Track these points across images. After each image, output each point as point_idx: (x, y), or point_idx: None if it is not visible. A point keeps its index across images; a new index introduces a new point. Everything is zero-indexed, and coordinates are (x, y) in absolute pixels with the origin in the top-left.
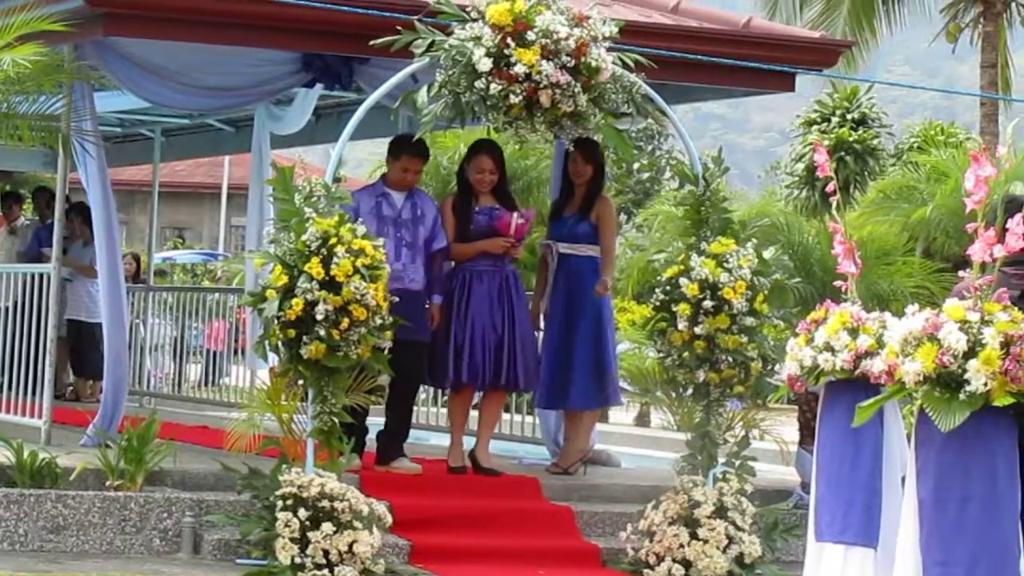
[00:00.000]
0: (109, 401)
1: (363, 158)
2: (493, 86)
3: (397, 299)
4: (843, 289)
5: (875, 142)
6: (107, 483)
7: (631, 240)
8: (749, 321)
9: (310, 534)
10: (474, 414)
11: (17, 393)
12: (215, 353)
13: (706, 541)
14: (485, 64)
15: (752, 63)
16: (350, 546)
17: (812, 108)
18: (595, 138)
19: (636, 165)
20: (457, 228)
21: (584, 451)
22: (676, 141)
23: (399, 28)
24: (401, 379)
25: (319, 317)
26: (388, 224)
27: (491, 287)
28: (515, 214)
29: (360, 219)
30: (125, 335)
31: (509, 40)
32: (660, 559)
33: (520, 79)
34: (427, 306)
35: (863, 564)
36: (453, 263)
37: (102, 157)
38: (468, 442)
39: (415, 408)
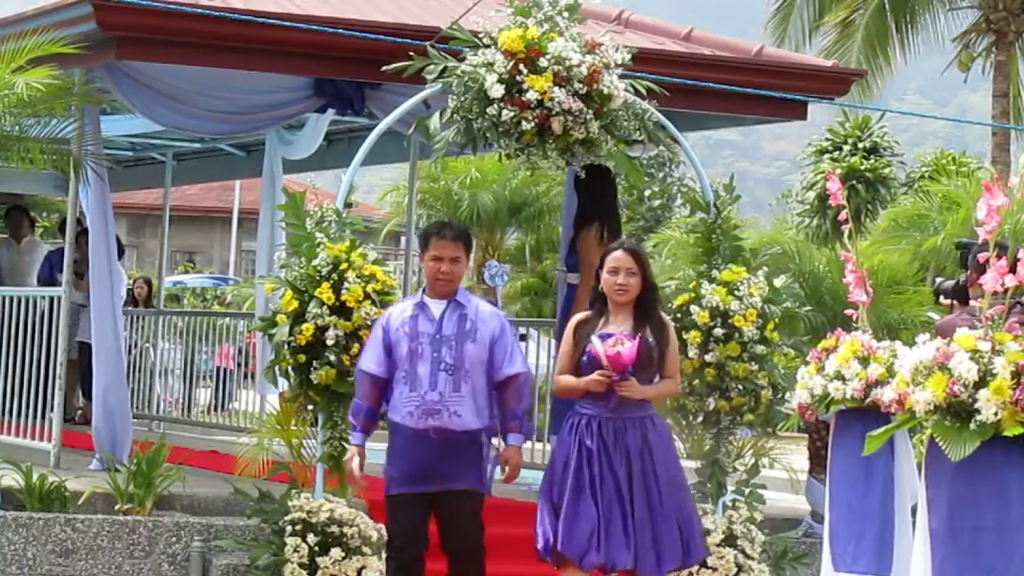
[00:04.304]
0: (101, 428)
1: (374, 183)
2: (505, 112)
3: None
4: (854, 318)
5: (886, 171)
6: (116, 507)
7: None
8: (760, 349)
9: (319, 559)
10: None
11: (27, 416)
12: (225, 375)
13: (715, 569)
14: (497, 90)
15: (764, 91)
16: (359, 572)
17: (824, 136)
18: (608, 165)
19: (648, 192)
20: (573, 355)
21: None
22: (688, 168)
23: (411, 54)
24: (454, 539)
25: (329, 342)
26: (422, 343)
27: (604, 438)
28: (600, 339)
29: (391, 343)
30: (120, 365)
31: (521, 66)
32: None
33: (532, 106)
34: (489, 449)
35: None
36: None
37: (105, 180)
38: None
39: None
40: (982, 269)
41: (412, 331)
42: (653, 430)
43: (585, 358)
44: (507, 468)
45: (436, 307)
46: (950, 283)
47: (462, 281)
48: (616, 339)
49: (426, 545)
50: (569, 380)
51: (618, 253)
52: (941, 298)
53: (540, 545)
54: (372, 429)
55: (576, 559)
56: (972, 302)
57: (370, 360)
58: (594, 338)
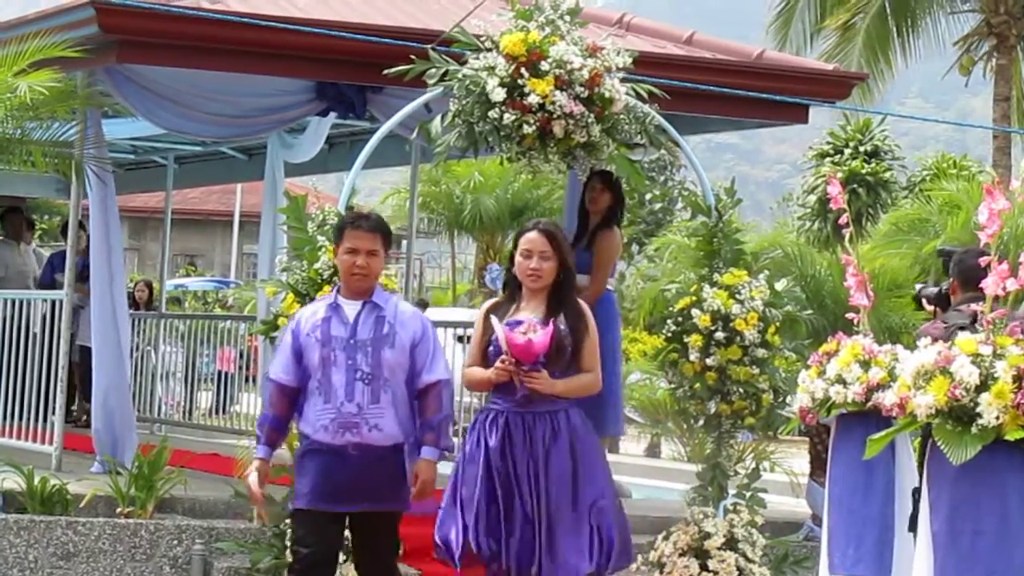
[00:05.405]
0: (101, 431)
1: (376, 187)
2: (507, 116)
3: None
4: (855, 321)
5: (887, 174)
6: (117, 510)
7: (643, 270)
8: (761, 353)
9: None
10: None
11: (28, 419)
12: (226, 378)
13: (716, 573)
14: (499, 94)
15: (765, 94)
16: None
17: (825, 140)
18: (610, 168)
19: (648, 196)
20: (481, 345)
21: None
22: (689, 172)
23: (413, 57)
24: (367, 564)
25: None
26: (335, 349)
27: (512, 435)
28: (508, 327)
29: (301, 349)
30: (122, 368)
31: (523, 70)
32: None
33: (534, 109)
34: (407, 464)
35: None
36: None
37: (109, 184)
38: None
39: None
40: (963, 276)
41: (324, 336)
42: (566, 424)
43: (491, 348)
44: (417, 484)
45: (351, 308)
46: (933, 290)
47: (462, 283)
48: (528, 326)
49: (335, 567)
50: (476, 372)
51: (532, 235)
52: (924, 304)
53: (443, 552)
54: (279, 442)
55: (485, 562)
56: (975, 306)
57: (278, 367)
58: (497, 325)
